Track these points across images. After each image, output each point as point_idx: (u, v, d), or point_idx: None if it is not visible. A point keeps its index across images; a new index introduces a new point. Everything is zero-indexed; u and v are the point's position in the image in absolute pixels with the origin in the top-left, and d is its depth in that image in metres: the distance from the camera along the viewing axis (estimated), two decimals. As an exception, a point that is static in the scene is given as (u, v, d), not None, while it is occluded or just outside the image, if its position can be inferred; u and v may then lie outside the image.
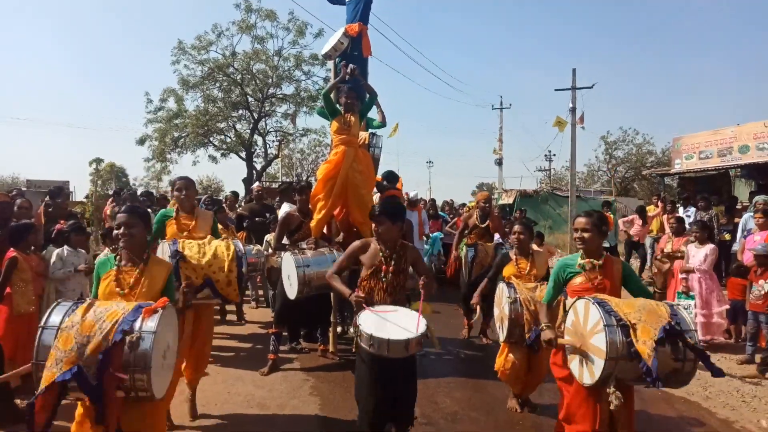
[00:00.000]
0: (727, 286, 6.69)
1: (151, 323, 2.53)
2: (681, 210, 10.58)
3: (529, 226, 4.60)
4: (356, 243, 3.54)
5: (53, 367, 2.37)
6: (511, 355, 4.22)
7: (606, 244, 10.52)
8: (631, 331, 2.71)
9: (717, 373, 2.83)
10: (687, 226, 7.50)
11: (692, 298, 6.24)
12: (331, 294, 5.40)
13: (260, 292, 8.41)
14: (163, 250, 3.83)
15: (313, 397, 4.60)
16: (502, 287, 4.29)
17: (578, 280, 3.19)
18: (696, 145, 16.80)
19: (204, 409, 4.20)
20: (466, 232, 6.77)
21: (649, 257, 10.85)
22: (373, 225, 3.39)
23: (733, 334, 6.60)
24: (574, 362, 3.03)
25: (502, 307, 4.24)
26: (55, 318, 2.51)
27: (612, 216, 11.48)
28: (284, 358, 5.52)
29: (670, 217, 7.71)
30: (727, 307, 6.26)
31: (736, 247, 7.74)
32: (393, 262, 3.35)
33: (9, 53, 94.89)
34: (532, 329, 3.90)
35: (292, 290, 4.86)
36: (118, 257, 2.91)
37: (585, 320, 2.92)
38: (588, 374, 2.86)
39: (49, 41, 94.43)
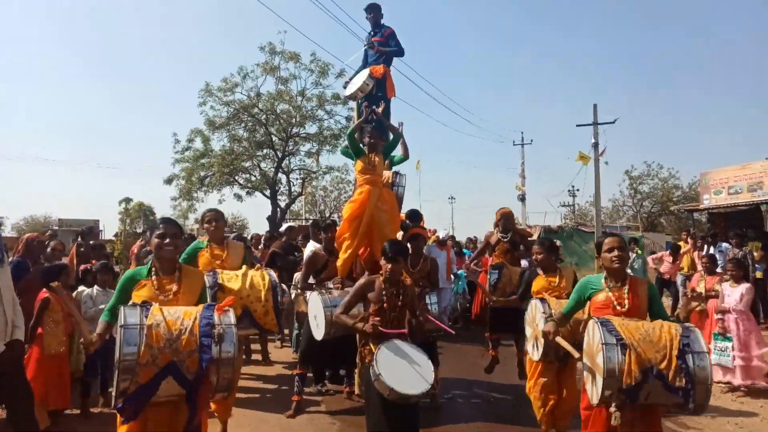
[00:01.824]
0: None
1: (228, 318, 2.66)
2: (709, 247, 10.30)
3: (546, 244, 4.60)
4: (362, 281, 3.81)
5: (150, 364, 2.44)
6: (542, 378, 4.16)
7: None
8: (627, 351, 2.78)
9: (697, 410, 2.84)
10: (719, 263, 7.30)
11: (729, 339, 6.02)
12: (357, 334, 5.35)
13: (286, 331, 8.35)
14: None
15: (340, 441, 4.50)
16: (535, 303, 4.20)
17: (600, 297, 3.25)
18: (724, 180, 16.50)
19: (229, 453, 4.14)
20: (492, 250, 6.19)
21: (681, 295, 10.56)
22: (389, 265, 3.59)
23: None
24: (588, 383, 3.09)
25: (536, 325, 4.11)
26: (132, 319, 2.53)
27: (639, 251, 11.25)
28: (310, 400, 5.44)
29: (702, 256, 7.49)
30: (768, 349, 6.00)
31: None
32: (400, 298, 3.63)
33: (43, 95, 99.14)
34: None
35: (318, 331, 4.83)
36: (153, 268, 2.95)
37: (592, 340, 3.00)
38: (595, 393, 2.95)
39: (80, 84, 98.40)
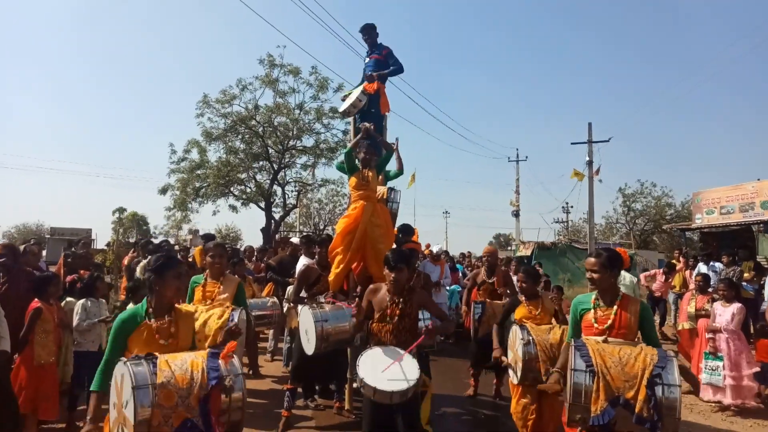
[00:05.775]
0: (756, 348, 6.46)
1: (234, 366, 2.66)
2: (702, 266, 10.35)
3: (530, 273, 4.73)
4: (370, 287, 3.87)
5: (164, 425, 2.38)
6: (523, 399, 4.21)
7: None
8: (595, 378, 2.79)
9: None
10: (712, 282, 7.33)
11: (720, 359, 6.03)
12: (348, 349, 5.34)
13: (280, 345, 8.29)
14: None
15: (329, 457, 4.47)
16: (515, 329, 4.32)
17: (589, 316, 3.24)
18: (716, 200, 16.66)
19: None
20: (477, 288, 6.62)
21: (673, 313, 10.60)
22: (392, 274, 3.64)
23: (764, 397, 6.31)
24: (566, 402, 3.10)
25: (515, 350, 4.23)
26: (141, 377, 2.42)
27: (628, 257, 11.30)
28: (300, 416, 5.40)
29: (695, 275, 7.52)
30: (758, 369, 6.02)
31: (764, 306, 7.49)
32: (400, 306, 3.64)
33: (37, 104, 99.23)
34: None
35: (309, 345, 4.80)
36: (149, 310, 2.87)
37: (567, 363, 3.03)
38: (566, 414, 2.99)
39: (77, 93, 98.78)
